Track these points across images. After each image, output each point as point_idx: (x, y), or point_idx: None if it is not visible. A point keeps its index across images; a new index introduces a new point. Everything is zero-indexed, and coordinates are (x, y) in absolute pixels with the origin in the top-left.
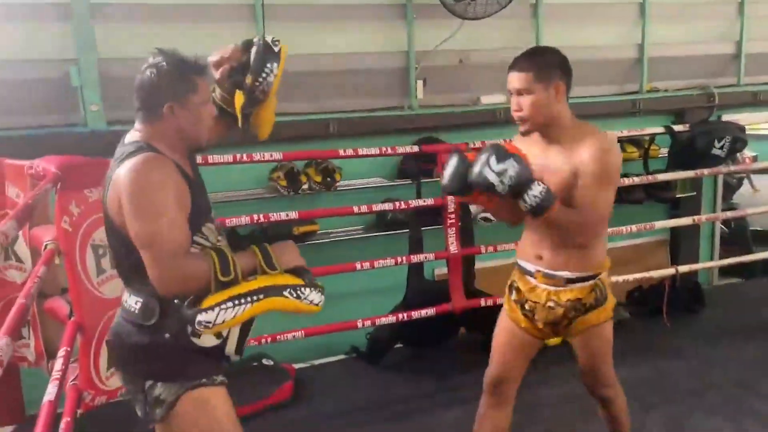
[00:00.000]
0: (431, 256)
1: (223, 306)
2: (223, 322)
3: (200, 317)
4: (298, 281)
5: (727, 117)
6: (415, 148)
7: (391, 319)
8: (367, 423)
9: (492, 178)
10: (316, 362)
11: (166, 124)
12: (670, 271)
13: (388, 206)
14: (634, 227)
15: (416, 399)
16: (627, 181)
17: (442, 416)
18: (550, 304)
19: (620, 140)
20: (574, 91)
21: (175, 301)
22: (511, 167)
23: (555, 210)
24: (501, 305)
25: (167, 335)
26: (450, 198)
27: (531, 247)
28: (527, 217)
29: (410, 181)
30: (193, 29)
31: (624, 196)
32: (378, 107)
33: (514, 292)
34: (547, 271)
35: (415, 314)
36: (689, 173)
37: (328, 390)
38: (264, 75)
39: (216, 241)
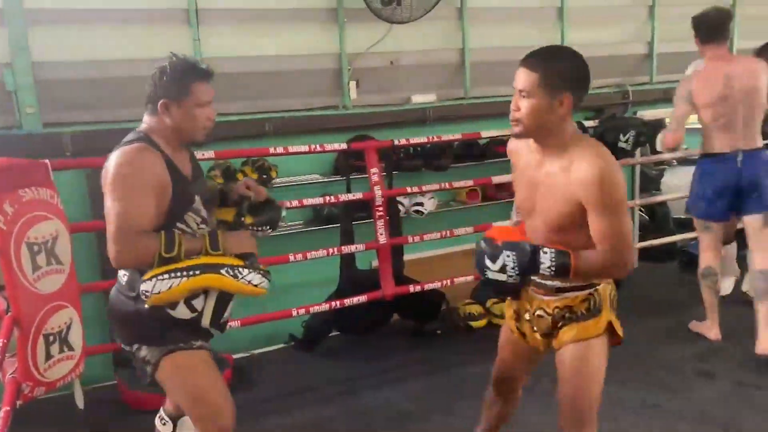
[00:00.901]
0: (361, 246)
1: (159, 278)
2: (160, 292)
3: (141, 286)
4: (238, 262)
5: (642, 113)
6: (344, 145)
7: (325, 307)
8: (302, 405)
9: (500, 278)
10: (256, 351)
11: (161, 119)
12: None
13: (318, 201)
14: None
15: (350, 381)
16: None
17: (373, 396)
18: (539, 312)
19: None
20: (501, 90)
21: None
22: (507, 260)
23: (575, 266)
24: (430, 291)
25: (147, 306)
26: (378, 192)
27: None
28: (527, 222)
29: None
30: (127, 33)
31: None
32: (313, 107)
33: (512, 302)
34: (538, 280)
35: (348, 302)
36: None
37: (266, 377)
38: (264, 230)
39: (196, 227)
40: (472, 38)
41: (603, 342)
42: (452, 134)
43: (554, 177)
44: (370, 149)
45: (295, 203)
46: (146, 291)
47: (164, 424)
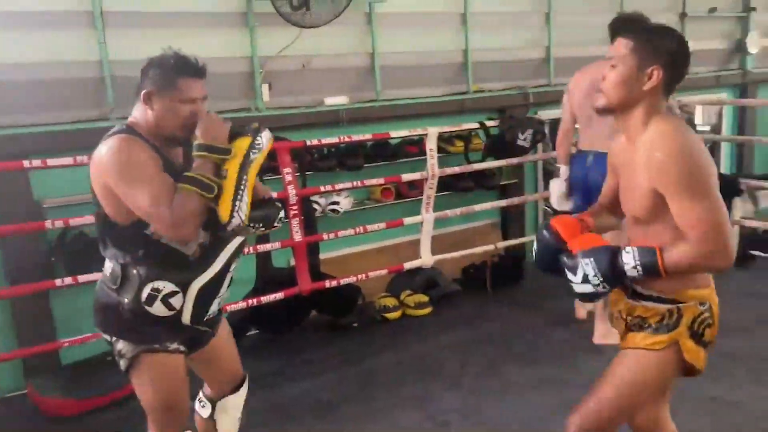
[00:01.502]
0: (277, 244)
1: (235, 209)
2: (246, 215)
3: (232, 225)
4: (247, 140)
5: (541, 113)
6: None
7: (242, 305)
8: None
9: (587, 290)
10: None
11: (145, 109)
12: (490, 247)
13: None
14: (458, 210)
15: (270, 376)
16: (449, 171)
17: (293, 389)
18: (617, 315)
19: (449, 136)
20: (407, 92)
21: (134, 270)
22: (587, 268)
23: (664, 262)
24: (346, 286)
25: (126, 300)
26: (291, 191)
27: None
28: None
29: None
30: (30, 36)
31: (454, 184)
32: (226, 109)
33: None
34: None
35: (265, 299)
36: (501, 162)
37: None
38: (256, 226)
39: None
40: (381, 43)
41: (660, 359)
42: (363, 134)
43: (632, 163)
44: (283, 150)
45: None
46: (238, 224)
47: (203, 406)
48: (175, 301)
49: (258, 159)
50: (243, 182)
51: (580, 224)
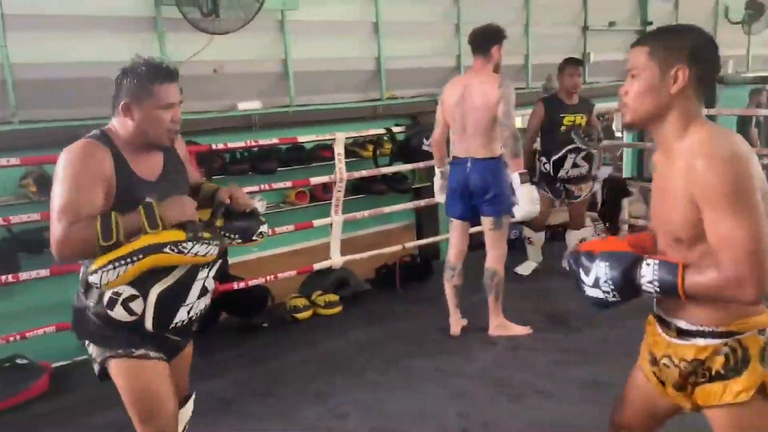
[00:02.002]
0: None
1: (104, 269)
2: (108, 282)
3: (90, 278)
4: (180, 237)
5: None
6: None
7: None
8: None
9: (596, 294)
10: (78, 358)
11: (124, 120)
12: (398, 248)
13: None
14: (366, 213)
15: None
16: (357, 174)
17: (199, 387)
18: (665, 361)
19: (363, 141)
20: (321, 98)
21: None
22: (600, 272)
23: (684, 281)
24: (255, 287)
25: (91, 303)
26: None
27: None
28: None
29: None
30: None
31: (367, 188)
32: None
33: (647, 336)
34: (662, 315)
35: None
36: (408, 166)
37: (89, 381)
38: (232, 238)
39: None
40: (294, 49)
41: (757, 411)
42: (271, 139)
43: (667, 175)
44: (191, 153)
45: None
46: (95, 283)
47: None
48: (136, 306)
49: (173, 257)
50: (133, 258)
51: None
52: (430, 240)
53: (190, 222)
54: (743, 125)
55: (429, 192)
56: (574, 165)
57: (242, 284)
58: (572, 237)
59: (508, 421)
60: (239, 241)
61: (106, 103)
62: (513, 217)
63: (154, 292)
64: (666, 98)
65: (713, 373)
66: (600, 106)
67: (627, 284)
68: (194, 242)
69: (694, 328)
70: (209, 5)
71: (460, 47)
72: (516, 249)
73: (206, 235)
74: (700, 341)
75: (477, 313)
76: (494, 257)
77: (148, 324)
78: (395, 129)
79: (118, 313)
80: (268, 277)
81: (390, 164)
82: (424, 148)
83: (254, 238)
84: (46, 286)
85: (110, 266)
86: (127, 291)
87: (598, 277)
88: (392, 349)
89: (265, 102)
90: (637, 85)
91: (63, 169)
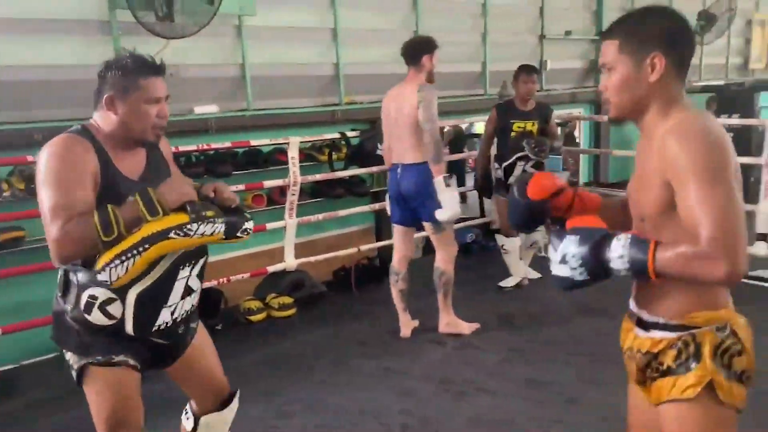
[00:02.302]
0: None
1: (111, 265)
2: (119, 278)
3: (99, 277)
4: (183, 219)
5: None
6: None
7: None
8: (74, 405)
9: (563, 273)
10: (26, 362)
11: (107, 115)
12: (353, 250)
13: None
14: (320, 216)
15: None
16: (310, 178)
17: (144, 389)
18: (629, 353)
19: (321, 145)
20: (280, 102)
21: (73, 278)
22: (568, 249)
23: (654, 258)
24: (208, 289)
25: (69, 308)
26: None
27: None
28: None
29: None
30: None
31: (325, 191)
32: (88, 117)
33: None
34: (632, 308)
35: None
36: (362, 170)
37: (36, 383)
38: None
39: None
40: (252, 54)
41: (704, 410)
42: (227, 142)
43: (645, 159)
44: None
45: None
46: (105, 281)
47: (188, 418)
48: (114, 310)
49: (179, 241)
50: (139, 249)
51: (564, 189)
52: (387, 242)
53: (189, 202)
54: None
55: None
56: (524, 172)
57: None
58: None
59: (449, 417)
60: (223, 237)
61: (58, 105)
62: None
63: (132, 293)
64: (645, 88)
65: (665, 367)
66: (562, 113)
67: (596, 260)
68: (199, 222)
69: (652, 319)
70: (164, 9)
71: None
72: (474, 253)
73: (209, 213)
74: (657, 334)
75: (431, 315)
76: (441, 258)
77: (129, 327)
78: (350, 134)
79: (96, 317)
80: (220, 280)
81: (345, 168)
82: (378, 152)
83: (239, 234)
84: None
85: (117, 261)
86: (104, 294)
87: (565, 253)
88: (342, 350)
89: (222, 106)
90: (613, 80)
91: (47, 167)
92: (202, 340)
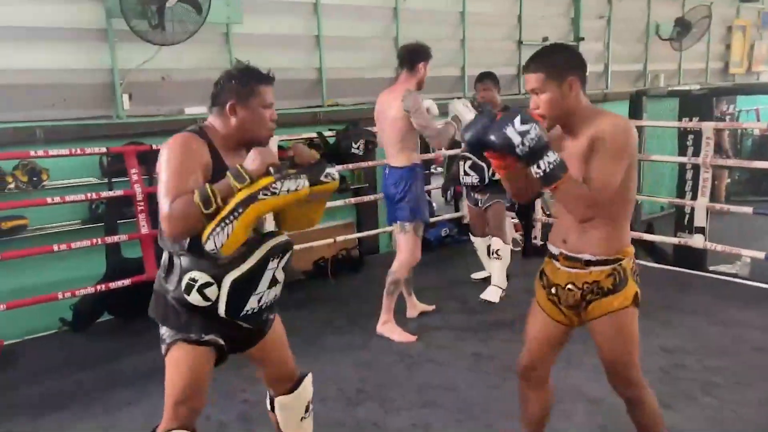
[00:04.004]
0: (125, 237)
1: (213, 234)
2: (223, 244)
3: (206, 247)
4: (268, 180)
5: None
6: (104, 149)
7: (91, 290)
8: (66, 375)
9: (515, 138)
10: (28, 338)
11: (227, 121)
12: (329, 241)
13: (80, 197)
14: None
15: (112, 351)
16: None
17: (133, 361)
18: (570, 286)
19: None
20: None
21: (176, 260)
22: (533, 130)
23: (565, 180)
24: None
25: (170, 288)
26: (138, 189)
27: (558, 232)
28: (556, 203)
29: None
30: None
31: None
32: (86, 117)
33: (543, 277)
34: (569, 253)
35: (113, 285)
36: (338, 167)
37: (34, 357)
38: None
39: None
40: (239, 59)
41: (632, 312)
42: None
43: (573, 147)
44: (129, 153)
45: (57, 199)
46: (212, 250)
47: (268, 398)
48: (210, 293)
49: (270, 201)
50: (234, 214)
51: None
52: (362, 234)
53: (271, 165)
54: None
55: (365, 191)
56: (465, 173)
57: None
58: (477, 242)
59: (400, 383)
60: (309, 187)
61: (59, 105)
62: (421, 224)
63: (228, 279)
64: (569, 103)
65: (605, 290)
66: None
67: (542, 149)
68: (283, 180)
69: (594, 258)
70: (156, 18)
71: None
72: (447, 246)
73: (291, 171)
74: (597, 269)
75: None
76: (398, 260)
77: (221, 310)
78: (327, 133)
79: (194, 298)
80: None
81: None
82: (353, 151)
83: (323, 179)
84: None
85: (218, 229)
86: (203, 278)
87: (527, 131)
88: (313, 330)
89: None
90: (544, 101)
91: (167, 156)
92: (279, 332)
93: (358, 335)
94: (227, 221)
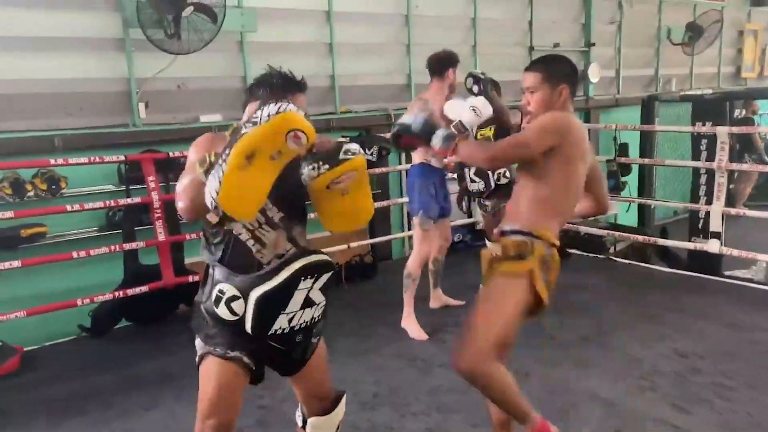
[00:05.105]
0: (142, 243)
1: (209, 187)
2: (217, 193)
3: (207, 204)
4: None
5: None
6: (122, 158)
7: (109, 296)
8: (84, 377)
9: (407, 120)
10: (47, 344)
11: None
12: (343, 246)
13: (99, 204)
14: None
15: (132, 355)
16: None
17: (148, 365)
18: (497, 252)
19: None
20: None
21: (210, 270)
22: (422, 117)
23: (459, 142)
24: None
25: (204, 299)
26: (155, 197)
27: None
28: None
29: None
30: None
31: None
32: (103, 125)
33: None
34: (502, 227)
35: (131, 291)
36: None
37: (53, 362)
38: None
39: (257, 226)
40: (253, 67)
41: (520, 285)
42: None
43: None
44: (146, 161)
45: (76, 207)
46: (212, 203)
47: (298, 417)
48: (237, 307)
49: (251, 133)
50: (222, 157)
51: None
52: (374, 240)
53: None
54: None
55: (378, 197)
56: (472, 180)
57: (197, 278)
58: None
59: (414, 387)
60: (326, 167)
61: (77, 114)
62: (427, 219)
63: (254, 294)
64: (556, 106)
65: (508, 255)
66: None
67: (431, 127)
68: (262, 108)
69: (514, 228)
70: (172, 28)
71: (410, 66)
72: (461, 251)
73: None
74: (511, 237)
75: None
76: (411, 257)
77: (248, 326)
78: (340, 140)
79: (222, 311)
80: None
81: None
82: (367, 157)
83: (342, 156)
84: (18, 277)
85: (210, 179)
86: (231, 291)
87: (419, 117)
88: (325, 335)
89: (226, 115)
90: (535, 99)
91: (191, 147)
92: (321, 354)
93: (371, 340)
94: (217, 167)
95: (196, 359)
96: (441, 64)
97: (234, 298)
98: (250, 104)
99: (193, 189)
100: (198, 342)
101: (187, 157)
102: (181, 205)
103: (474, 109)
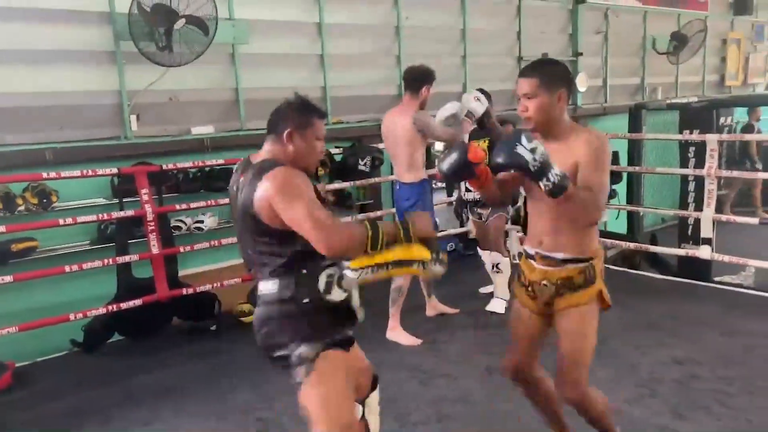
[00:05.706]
0: (135, 257)
1: (365, 270)
2: (364, 280)
3: (347, 273)
4: (427, 256)
5: None
6: (115, 170)
7: (102, 310)
8: (79, 392)
9: (527, 156)
10: (39, 359)
11: (285, 147)
12: None
13: (91, 218)
14: None
15: (125, 369)
16: None
17: (144, 378)
18: (545, 282)
19: None
20: (253, 123)
21: (303, 271)
22: (539, 146)
23: (572, 189)
24: (203, 293)
25: (305, 300)
26: (148, 209)
27: (534, 234)
28: (533, 206)
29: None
30: None
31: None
32: (94, 138)
33: (520, 275)
34: (544, 253)
35: (124, 305)
36: (345, 183)
37: (45, 378)
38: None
39: None
40: (245, 79)
41: (595, 309)
42: (220, 159)
43: (558, 152)
44: (140, 173)
45: (69, 220)
46: (351, 278)
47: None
48: (345, 283)
49: (414, 271)
50: (388, 266)
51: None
52: None
53: (433, 240)
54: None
55: (373, 207)
56: (467, 189)
57: (191, 290)
58: (484, 256)
59: (414, 398)
60: (442, 271)
61: (69, 127)
62: None
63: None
64: (555, 111)
65: (576, 285)
66: None
67: (547, 165)
68: (436, 263)
69: (569, 257)
70: (163, 41)
71: (401, 77)
72: (453, 261)
73: (444, 257)
74: (572, 266)
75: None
76: None
77: (355, 302)
78: (333, 150)
79: (336, 294)
80: (215, 284)
81: (330, 182)
82: (360, 167)
83: (431, 267)
84: (9, 291)
85: (370, 270)
86: (336, 271)
87: (535, 148)
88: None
89: (218, 127)
90: (534, 105)
91: (295, 185)
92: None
93: (369, 351)
94: (380, 269)
95: (307, 368)
96: (417, 81)
97: (341, 276)
98: (287, 133)
99: (354, 247)
100: (304, 348)
101: (296, 187)
102: (338, 248)
103: (478, 99)
